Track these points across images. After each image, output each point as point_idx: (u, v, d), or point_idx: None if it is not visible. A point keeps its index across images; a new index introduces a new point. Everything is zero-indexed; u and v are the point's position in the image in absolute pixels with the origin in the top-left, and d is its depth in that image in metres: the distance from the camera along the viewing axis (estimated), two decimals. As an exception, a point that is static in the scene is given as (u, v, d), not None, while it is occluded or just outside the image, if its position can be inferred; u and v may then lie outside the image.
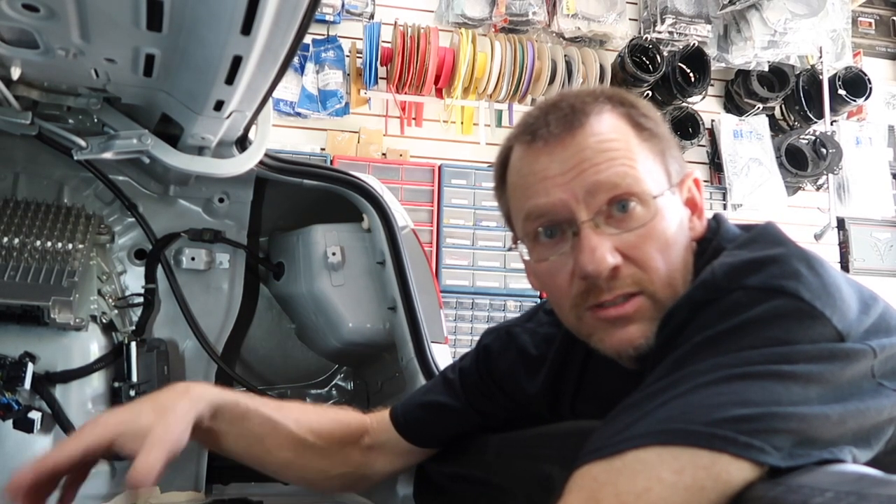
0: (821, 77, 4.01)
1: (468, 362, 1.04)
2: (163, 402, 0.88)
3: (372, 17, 3.71)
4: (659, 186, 0.76)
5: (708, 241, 0.79)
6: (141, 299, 1.37)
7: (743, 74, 4.04)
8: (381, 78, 3.61)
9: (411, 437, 1.04)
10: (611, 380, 0.83)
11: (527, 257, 0.82)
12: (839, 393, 0.59)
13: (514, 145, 0.82)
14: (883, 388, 0.61)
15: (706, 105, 4.06)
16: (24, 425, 1.14)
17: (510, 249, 0.92)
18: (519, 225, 0.82)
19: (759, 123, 4.07)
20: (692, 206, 0.82)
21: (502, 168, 0.85)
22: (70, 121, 1.18)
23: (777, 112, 4.27)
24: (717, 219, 0.83)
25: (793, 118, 4.19)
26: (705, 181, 4.11)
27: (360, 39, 3.57)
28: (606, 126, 0.77)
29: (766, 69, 3.98)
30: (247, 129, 1.15)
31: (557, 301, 0.81)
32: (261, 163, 1.28)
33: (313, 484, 1.07)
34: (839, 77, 4.02)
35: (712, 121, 4.13)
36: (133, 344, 1.31)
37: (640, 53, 3.80)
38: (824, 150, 3.98)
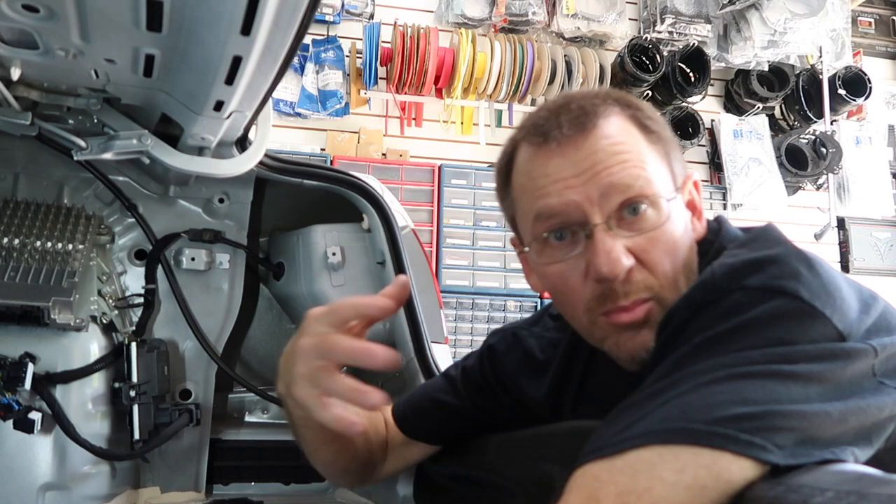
0: (821, 77, 4.01)
1: (472, 361, 1.05)
2: None
3: (372, 17, 3.71)
4: (668, 189, 0.77)
5: (710, 243, 0.80)
6: (141, 300, 1.37)
7: (743, 74, 4.04)
8: (381, 78, 3.62)
9: (412, 433, 1.04)
10: (613, 383, 0.83)
11: (535, 259, 0.81)
12: (840, 391, 0.59)
13: (520, 146, 0.82)
14: (884, 386, 0.61)
15: (706, 105, 4.06)
16: (25, 426, 1.14)
17: (521, 251, 0.91)
18: (527, 226, 0.81)
19: (759, 123, 4.07)
20: (692, 207, 0.82)
21: (507, 169, 0.84)
22: (70, 121, 1.18)
23: (777, 112, 4.27)
24: (718, 220, 0.84)
25: (793, 118, 4.19)
26: (705, 181, 4.11)
27: (360, 39, 3.57)
28: (616, 128, 0.77)
29: (766, 69, 3.98)
30: (247, 130, 1.15)
31: (570, 303, 0.80)
32: (261, 163, 1.28)
33: (334, 474, 1.05)
34: (839, 77, 4.02)
35: (712, 121, 4.13)
36: (133, 344, 1.31)
37: (639, 53, 3.80)
38: (824, 150, 3.98)
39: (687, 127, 3.89)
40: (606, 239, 0.73)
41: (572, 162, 0.75)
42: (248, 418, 1.60)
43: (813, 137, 4.05)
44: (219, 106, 0.94)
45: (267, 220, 1.60)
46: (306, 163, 1.43)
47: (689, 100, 3.89)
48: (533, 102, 3.78)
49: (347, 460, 0.99)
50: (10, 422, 1.14)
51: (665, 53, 3.77)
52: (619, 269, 0.72)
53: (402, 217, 1.48)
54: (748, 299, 0.64)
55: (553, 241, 0.78)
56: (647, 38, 3.81)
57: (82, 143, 1.14)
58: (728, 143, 4.00)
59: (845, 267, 4.15)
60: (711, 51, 3.91)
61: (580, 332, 0.83)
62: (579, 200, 0.74)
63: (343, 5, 3.64)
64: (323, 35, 3.64)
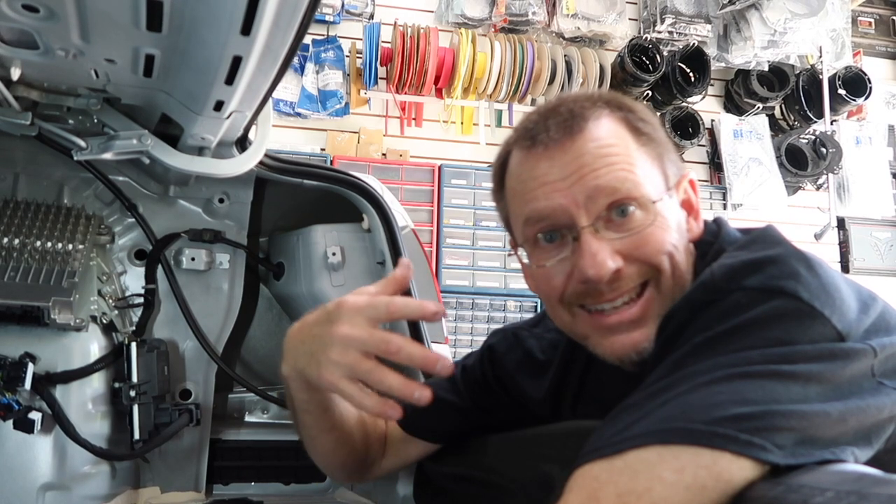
0: (821, 77, 4.01)
1: (472, 361, 1.05)
2: None
3: (372, 17, 3.71)
4: (657, 191, 0.77)
5: (709, 244, 0.80)
6: (141, 300, 1.37)
7: (743, 74, 4.04)
8: (381, 78, 3.62)
9: (411, 429, 1.04)
10: (612, 383, 0.83)
11: (526, 261, 0.82)
12: (839, 391, 0.59)
13: (512, 150, 0.83)
14: (883, 386, 0.61)
15: (706, 105, 4.06)
16: (25, 426, 1.14)
17: (510, 254, 0.94)
18: (518, 229, 0.82)
19: (759, 123, 4.07)
20: (688, 207, 0.82)
21: (501, 172, 0.85)
22: (70, 121, 1.17)
23: (777, 112, 4.27)
24: (717, 222, 0.84)
25: (793, 118, 4.19)
26: (705, 181, 4.11)
27: (360, 39, 3.57)
28: (605, 131, 0.77)
29: (766, 69, 3.98)
30: (247, 130, 1.15)
31: (548, 299, 0.82)
32: (261, 163, 1.28)
33: (331, 467, 1.05)
34: (839, 77, 4.02)
35: (712, 121, 4.13)
36: (133, 344, 1.30)
37: (639, 53, 3.80)
38: (824, 150, 3.98)
39: (687, 127, 3.89)
40: (593, 242, 0.74)
41: (559, 165, 0.76)
42: (248, 418, 1.60)
43: (813, 137, 4.05)
44: (219, 106, 0.94)
45: (267, 220, 1.60)
46: (306, 163, 1.43)
47: (689, 100, 3.89)
48: (533, 102, 3.78)
49: (346, 453, 0.99)
50: (10, 422, 1.14)
51: (665, 53, 3.77)
52: (604, 271, 0.73)
53: (402, 217, 1.48)
54: (748, 300, 0.64)
55: (543, 242, 0.79)
56: (647, 38, 3.81)
57: (82, 143, 1.14)
58: (728, 143, 4.00)
59: (845, 267, 4.15)
60: (711, 51, 3.91)
61: (563, 330, 0.83)
62: (566, 203, 0.75)
63: (343, 5, 3.63)
64: (323, 35, 3.64)
